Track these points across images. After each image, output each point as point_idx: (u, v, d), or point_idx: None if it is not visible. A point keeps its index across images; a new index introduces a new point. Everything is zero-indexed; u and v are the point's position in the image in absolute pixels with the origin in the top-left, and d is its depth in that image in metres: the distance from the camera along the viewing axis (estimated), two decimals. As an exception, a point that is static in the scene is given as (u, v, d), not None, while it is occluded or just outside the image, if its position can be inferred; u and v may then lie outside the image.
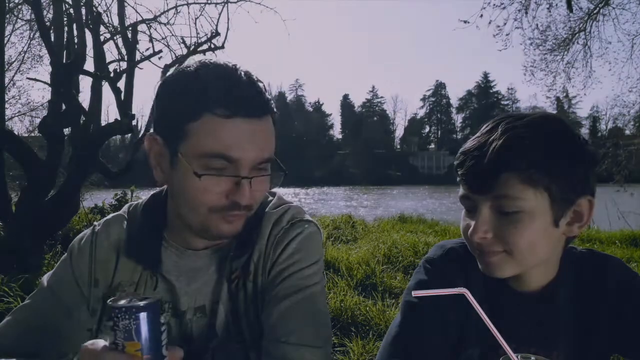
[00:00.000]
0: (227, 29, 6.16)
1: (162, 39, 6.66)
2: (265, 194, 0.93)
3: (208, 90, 0.82)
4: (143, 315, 0.61)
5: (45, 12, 5.69)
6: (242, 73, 0.85)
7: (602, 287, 0.88)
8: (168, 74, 0.90)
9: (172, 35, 7.06)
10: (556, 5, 11.45)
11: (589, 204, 0.83)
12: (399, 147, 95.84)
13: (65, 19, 4.91)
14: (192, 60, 0.89)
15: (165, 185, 1.01)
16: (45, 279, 1.01)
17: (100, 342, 0.65)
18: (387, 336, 0.94)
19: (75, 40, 4.94)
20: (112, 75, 4.93)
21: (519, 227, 0.79)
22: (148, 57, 5.51)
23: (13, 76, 12.02)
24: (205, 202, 0.84)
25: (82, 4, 4.93)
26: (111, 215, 1.05)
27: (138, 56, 5.43)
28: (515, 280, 0.90)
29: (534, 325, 0.87)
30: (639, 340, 0.83)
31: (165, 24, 6.43)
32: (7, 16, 7.31)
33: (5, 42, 5.73)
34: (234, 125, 0.81)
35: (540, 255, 0.83)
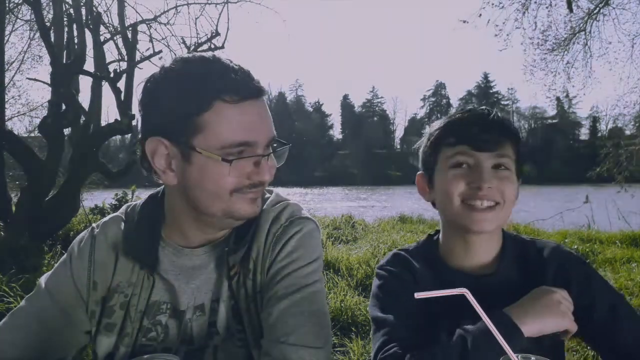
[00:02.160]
0: (227, 29, 6.18)
1: (162, 39, 6.68)
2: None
3: (212, 80, 0.83)
4: None
5: (45, 12, 5.69)
6: (228, 60, 0.87)
7: (544, 270, 1.01)
8: (150, 77, 0.89)
9: (172, 35, 7.09)
10: (556, 5, 11.47)
11: (518, 185, 1.05)
12: (399, 147, 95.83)
13: (65, 19, 4.92)
14: (171, 60, 0.89)
15: (162, 186, 1.01)
16: (43, 280, 1.01)
17: None
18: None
19: (75, 40, 4.95)
20: (112, 75, 4.93)
21: (510, 182, 0.99)
22: (148, 57, 5.53)
23: (13, 76, 12.03)
24: (229, 186, 0.86)
25: (82, 4, 4.94)
26: (109, 216, 1.05)
27: (138, 56, 5.45)
28: (463, 255, 1.03)
29: (478, 301, 0.91)
30: (588, 321, 0.93)
31: (165, 24, 6.46)
32: (7, 16, 7.31)
33: (5, 42, 5.74)
34: (244, 110, 0.85)
35: (508, 216, 1.01)
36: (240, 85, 0.85)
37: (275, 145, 0.93)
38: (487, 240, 1.02)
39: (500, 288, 0.98)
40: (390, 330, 0.96)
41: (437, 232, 1.12)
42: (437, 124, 1.06)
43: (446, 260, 1.06)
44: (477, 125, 0.99)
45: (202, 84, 0.83)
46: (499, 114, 1.02)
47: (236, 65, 0.87)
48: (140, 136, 0.91)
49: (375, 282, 1.09)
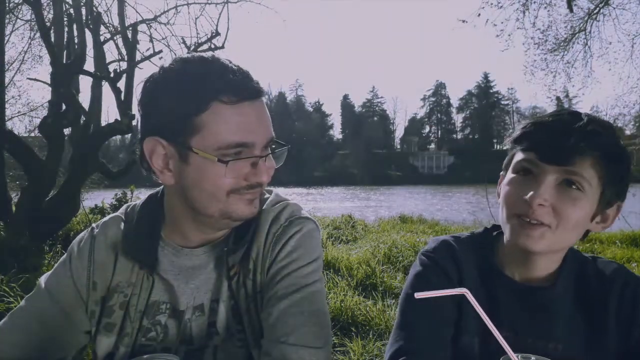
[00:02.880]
0: (227, 29, 6.17)
1: (162, 39, 6.69)
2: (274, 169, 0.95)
3: (210, 80, 0.83)
4: None
5: (45, 12, 5.69)
6: (227, 60, 0.87)
7: (606, 289, 0.92)
8: (149, 77, 0.89)
9: (172, 35, 7.12)
10: (556, 5, 11.48)
11: (617, 209, 0.91)
12: (399, 147, 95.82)
13: (65, 19, 4.92)
14: (170, 60, 0.89)
15: (162, 186, 1.01)
16: (42, 280, 1.01)
17: None
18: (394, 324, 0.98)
19: (75, 40, 4.95)
20: (112, 75, 4.93)
21: (575, 204, 0.85)
22: (148, 57, 5.52)
23: (13, 76, 12.00)
24: (226, 187, 0.86)
25: (82, 4, 4.94)
26: (109, 216, 1.05)
27: (138, 56, 5.45)
28: (520, 268, 0.94)
29: (530, 315, 0.90)
30: None
31: (165, 24, 6.47)
32: (7, 16, 7.30)
33: (5, 42, 5.73)
34: (243, 111, 0.84)
35: (572, 240, 0.90)
36: (239, 86, 0.84)
37: (273, 146, 0.93)
38: (546, 254, 0.91)
39: (556, 303, 0.92)
40: (408, 336, 0.90)
41: (495, 227, 1.02)
42: (522, 124, 0.94)
43: (500, 263, 0.96)
44: (554, 133, 0.86)
45: (200, 84, 0.83)
46: (590, 125, 0.85)
47: (235, 65, 0.86)
48: (139, 136, 0.91)
49: (414, 268, 1.01)
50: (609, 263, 0.97)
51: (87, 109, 5.24)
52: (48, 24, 5.03)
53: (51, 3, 5.32)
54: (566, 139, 0.84)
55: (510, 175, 0.92)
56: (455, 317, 0.93)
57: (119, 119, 4.97)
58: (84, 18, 4.95)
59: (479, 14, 10.79)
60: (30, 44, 10.81)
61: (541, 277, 0.94)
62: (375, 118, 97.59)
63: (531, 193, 0.85)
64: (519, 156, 0.91)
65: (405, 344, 0.90)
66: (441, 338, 0.91)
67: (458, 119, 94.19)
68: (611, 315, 0.90)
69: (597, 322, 0.91)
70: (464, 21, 10.74)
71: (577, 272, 0.95)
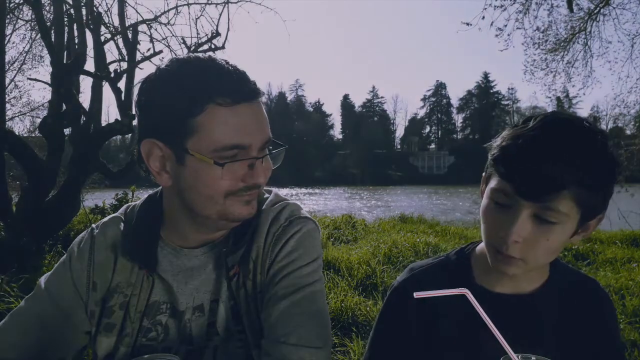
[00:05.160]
0: (228, 29, 6.17)
1: (163, 39, 6.69)
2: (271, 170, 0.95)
3: (207, 82, 0.83)
4: None
5: (45, 12, 5.69)
6: (223, 61, 0.86)
7: (585, 303, 0.95)
8: (146, 78, 0.88)
9: (173, 35, 7.17)
10: (557, 5, 11.47)
11: (599, 219, 0.86)
12: (399, 147, 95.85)
13: (65, 19, 4.92)
14: (167, 61, 0.88)
15: (160, 187, 1.01)
16: (42, 281, 1.01)
17: None
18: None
19: (76, 41, 4.95)
20: (112, 75, 4.93)
21: (550, 237, 0.81)
22: (148, 57, 5.52)
23: (14, 76, 12.01)
24: (223, 189, 0.86)
25: (82, 4, 4.94)
26: (108, 217, 1.05)
27: (138, 56, 5.45)
28: (505, 280, 0.92)
29: (518, 327, 0.87)
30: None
31: (165, 24, 6.45)
32: (8, 16, 7.31)
33: (6, 42, 5.73)
34: (239, 112, 0.84)
35: (548, 261, 0.89)
36: (235, 88, 0.84)
37: (270, 147, 0.92)
38: (527, 273, 0.90)
39: (542, 313, 0.91)
40: (368, 357, 1.00)
41: (470, 245, 1.01)
42: (501, 137, 0.85)
43: (480, 279, 0.94)
44: (532, 163, 0.77)
45: (196, 86, 0.83)
46: (576, 152, 0.76)
47: (231, 66, 0.86)
48: (137, 137, 0.91)
49: (385, 303, 1.03)
50: (586, 276, 1.00)
51: (87, 109, 5.24)
52: (48, 24, 5.02)
53: (51, 3, 5.32)
54: (544, 171, 0.76)
55: (486, 199, 0.87)
56: (417, 330, 0.95)
57: (119, 119, 4.97)
58: (84, 18, 4.95)
59: (483, 17, 10.70)
60: (31, 44, 10.81)
61: (528, 289, 0.93)
62: (376, 118, 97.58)
63: (506, 229, 0.81)
64: (494, 181, 0.85)
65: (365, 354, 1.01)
66: (395, 349, 0.97)
67: (458, 119, 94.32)
68: (591, 325, 0.92)
69: (581, 332, 0.92)
70: (468, 24, 10.65)
71: (562, 284, 0.95)
